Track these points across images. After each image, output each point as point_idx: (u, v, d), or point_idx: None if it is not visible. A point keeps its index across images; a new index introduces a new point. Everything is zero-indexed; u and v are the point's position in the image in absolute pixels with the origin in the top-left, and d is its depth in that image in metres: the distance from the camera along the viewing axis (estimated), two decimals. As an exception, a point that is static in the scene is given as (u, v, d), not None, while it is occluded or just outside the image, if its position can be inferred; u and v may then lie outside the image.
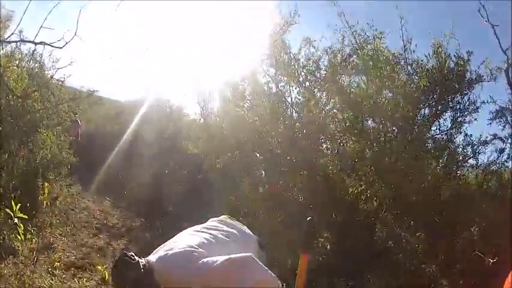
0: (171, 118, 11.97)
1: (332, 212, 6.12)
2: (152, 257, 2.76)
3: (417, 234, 4.21)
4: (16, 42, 5.91)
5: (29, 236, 5.21)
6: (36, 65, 6.68)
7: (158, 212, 8.54)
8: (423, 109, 5.10)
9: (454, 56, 4.80)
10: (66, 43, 5.64)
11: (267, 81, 7.33)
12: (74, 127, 11.74)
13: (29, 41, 5.81)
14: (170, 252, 2.74)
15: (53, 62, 6.50)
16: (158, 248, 2.88)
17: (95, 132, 14.19)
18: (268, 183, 7.30)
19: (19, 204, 4.64)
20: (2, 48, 6.11)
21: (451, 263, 3.59)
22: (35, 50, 6.50)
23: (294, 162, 6.81)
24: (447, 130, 4.95)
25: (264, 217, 6.32)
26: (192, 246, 2.71)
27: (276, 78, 7.15)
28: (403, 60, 5.31)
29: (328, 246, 5.74)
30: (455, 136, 4.88)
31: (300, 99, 6.97)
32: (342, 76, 6.54)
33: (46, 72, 6.46)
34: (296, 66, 6.84)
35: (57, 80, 6.35)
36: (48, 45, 5.72)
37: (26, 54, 6.68)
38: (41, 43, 5.73)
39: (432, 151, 4.97)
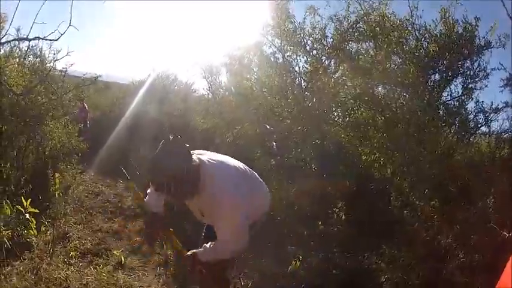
0: (179, 95, 11.90)
1: (345, 180, 6.12)
2: (203, 157, 2.58)
3: (432, 202, 4.18)
4: (9, 42, 5.86)
5: (43, 228, 5.22)
6: (37, 59, 6.59)
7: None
8: (433, 75, 5.00)
9: (462, 21, 4.67)
10: (62, 34, 5.59)
11: (273, 52, 7.25)
12: (80, 112, 11.83)
13: (23, 38, 5.74)
14: (220, 164, 2.63)
15: (54, 54, 6.42)
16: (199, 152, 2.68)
17: (103, 117, 14.15)
18: (279, 154, 7.31)
19: (29, 199, 4.64)
20: (1, 49, 6.08)
21: (466, 235, 3.57)
22: (31, 45, 6.43)
23: (305, 131, 6.78)
24: (458, 96, 4.85)
25: (276, 188, 6.35)
26: (239, 170, 2.74)
27: (282, 48, 7.06)
28: (410, 26, 5.17)
29: (343, 217, 5.76)
30: (466, 102, 4.78)
31: (308, 68, 6.88)
32: (349, 43, 6.43)
33: (48, 65, 6.39)
34: (302, 35, 6.74)
35: (59, 71, 6.30)
36: (43, 39, 5.66)
37: (26, 51, 6.62)
38: (35, 38, 5.66)
39: (444, 117, 4.90)
